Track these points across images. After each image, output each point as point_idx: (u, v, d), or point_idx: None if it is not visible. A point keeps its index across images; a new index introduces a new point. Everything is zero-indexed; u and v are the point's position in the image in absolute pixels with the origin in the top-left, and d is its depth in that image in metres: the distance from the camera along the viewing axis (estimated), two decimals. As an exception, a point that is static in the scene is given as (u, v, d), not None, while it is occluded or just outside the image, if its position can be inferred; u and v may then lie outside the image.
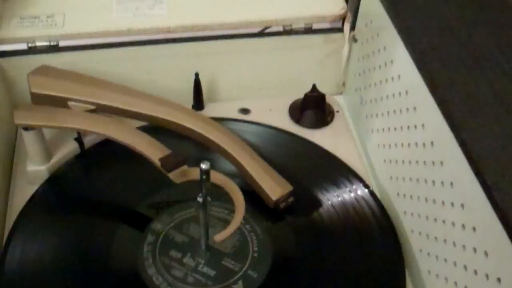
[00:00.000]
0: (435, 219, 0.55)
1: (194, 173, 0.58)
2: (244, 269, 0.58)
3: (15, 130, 0.72)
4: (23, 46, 0.70)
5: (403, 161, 0.62)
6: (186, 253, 0.59)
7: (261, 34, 0.75)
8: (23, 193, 0.65)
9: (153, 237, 0.60)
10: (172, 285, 0.56)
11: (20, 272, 0.57)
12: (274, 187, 0.62)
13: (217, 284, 0.56)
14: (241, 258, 0.59)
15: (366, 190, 0.65)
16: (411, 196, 0.60)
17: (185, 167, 0.59)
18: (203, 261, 0.58)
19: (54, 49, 0.70)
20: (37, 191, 0.64)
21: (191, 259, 0.58)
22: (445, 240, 0.53)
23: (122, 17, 0.72)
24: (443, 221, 0.53)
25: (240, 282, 0.57)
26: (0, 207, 0.63)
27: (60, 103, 0.65)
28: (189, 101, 0.74)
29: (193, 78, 0.72)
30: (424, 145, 0.57)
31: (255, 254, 0.59)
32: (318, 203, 0.64)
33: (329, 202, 0.64)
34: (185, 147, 0.66)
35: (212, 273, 0.57)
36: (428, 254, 0.57)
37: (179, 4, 0.74)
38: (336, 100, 0.78)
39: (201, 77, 0.73)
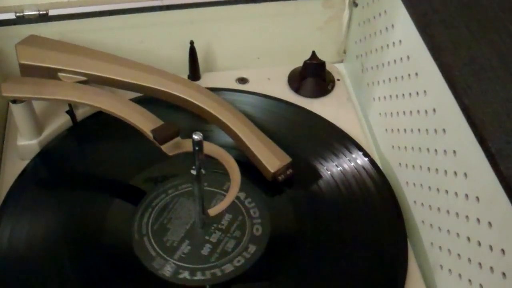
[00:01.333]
0: (438, 189, 0.53)
1: (187, 145, 0.56)
2: (241, 244, 0.56)
3: (6, 104, 0.70)
4: (11, 16, 0.68)
5: (405, 130, 0.60)
6: (181, 226, 0.57)
7: None
8: (14, 168, 0.63)
9: (147, 211, 0.58)
10: (166, 259, 0.55)
11: (10, 248, 0.55)
12: (272, 159, 0.60)
13: (213, 259, 0.55)
14: (238, 233, 0.57)
15: (367, 159, 0.63)
16: (413, 166, 0.58)
17: (178, 138, 0.57)
18: (197, 235, 0.57)
19: (43, 18, 0.68)
20: (28, 165, 0.63)
21: (185, 233, 0.57)
22: (448, 211, 0.52)
23: (113, -16, 0.70)
24: (446, 191, 0.52)
25: (239, 257, 0.55)
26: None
27: (50, 74, 0.63)
28: (184, 71, 0.72)
29: (188, 47, 0.70)
30: (426, 112, 0.55)
31: (253, 229, 0.57)
32: (317, 174, 0.62)
33: (329, 173, 0.62)
34: (181, 119, 0.65)
35: (206, 247, 0.56)
36: (431, 225, 0.55)
37: (173, -31, 0.72)
38: (336, 68, 0.76)
39: (197, 46, 0.70)
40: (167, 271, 0.54)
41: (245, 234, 0.57)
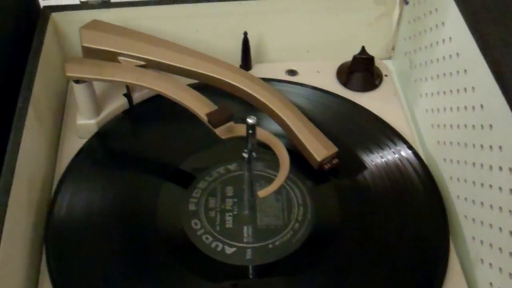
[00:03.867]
0: (482, 184, 0.54)
1: (240, 129, 0.58)
2: (286, 229, 0.58)
3: (66, 84, 0.74)
4: (75, 1, 0.71)
5: (451, 125, 0.61)
6: (230, 208, 0.60)
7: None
8: (72, 145, 0.66)
9: (197, 193, 0.61)
10: (215, 239, 0.57)
11: (67, 222, 0.59)
12: (319, 148, 0.62)
13: (255, 241, 0.57)
14: (283, 215, 0.59)
15: (411, 152, 0.64)
16: (458, 161, 0.59)
17: (231, 123, 0.59)
18: (245, 217, 0.59)
19: (106, 4, 0.71)
20: (85, 144, 0.66)
21: (234, 215, 0.59)
22: (491, 205, 0.53)
23: (174, -26, 0.72)
24: (490, 186, 0.53)
25: (281, 239, 0.57)
26: (50, 158, 0.65)
27: (111, 57, 0.66)
28: (237, 61, 0.74)
29: (241, 37, 0.72)
30: (473, 108, 0.56)
31: (298, 214, 0.59)
32: (362, 165, 0.64)
33: (373, 163, 0.63)
34: (232, 105, 0.66)
35: (251, 230, 0.58)
36: (473, 219, 0.56)
37: (231, -38, 0.74)
38: (384, 64, 0.77)
39: (249, 37, 0.72)
40: (216, 249, 0.56)
41: (290, 218, 0.59)
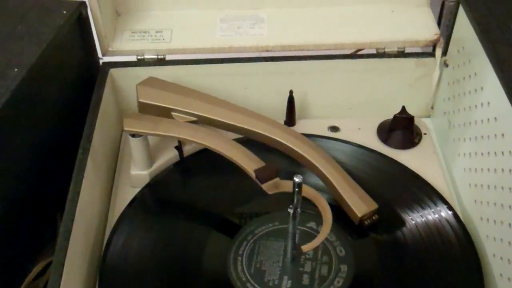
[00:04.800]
0: (518, 244, 0.56)
1: (285, 186, 0.61)
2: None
3: (120, 136, 0.78)
4: (133, 58, 0.76)
5: (488, 186, 0.63)
6: (272, 260, 0.62)
7: (354, 55, 0.78)
8: (125, 195, 0.70)
9: (242, 243, 0.64)
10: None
11: (119, 268, 0.62)
12: (359, 204, 0.65)
13: (315, 285, 0.60)
14: (323, 274, 0.62)
15: (450, 213, 0.66)
16: (494, 221, 0.61)
17: (277, 179, 0.62)
18: (286, 271, 0.62)
19: (161, 62, 0.76)
20: (138, 194, 0.70)
21: (275, 267, 0.62)
22: (526, 265, 0.55)
23: (225, 35, 0.77)
24: (525, 247, 0.55)
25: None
26: (103, 206, 0.69)
27: (164, 113, 0.70)
28: (281, 116, 0.78)
29: (286, 95, 0.76)
30: (510, 171, 0.58)
31: (339, 266, 0.62)
32: (401, 222, 0.66)
33: (413, 222, 0.66)
34: (277, 161, 0.70)
35: (289, 284, 0.61)
36: (509, 279, 0.58)
37: (278, 25, 0.78)
38: (424, 123, 0.80)
39: (294, 95, 0.76)
40: None
41: (328, 277, 0.62)
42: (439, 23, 0.81)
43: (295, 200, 0.56)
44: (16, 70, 0.60)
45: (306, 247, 0.58)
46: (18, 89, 0.59)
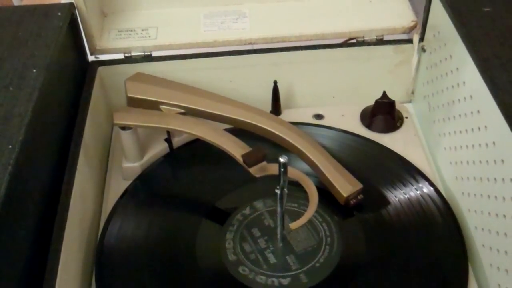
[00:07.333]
0: (497, 214, 0.59)
1: (272, 168, 0.64)
2: (323, 247, 0.63)
3: (110, 130, 0.80)
4: (120, 56, 0.78)
5: (467, 162, 0.66)
6: (265, 246, 0.64)
7: (335, 45, 0.80)
8: (117, 187, 0.72)
9: (230, 244, 0.65)
10: (268, 276, 0.61)
11: (114, 257, 0.64)
12: (345, 184, 0.67)
13: (303, 265, 0.62)
14: (315, 237, 0.64)
15: (432, 189, 0.69)
16: (474, 194, 0.64)
17: (264, 162, 0.65)
18: (282, 249, 0.64)
19: (148, 58, 0.78)
20: (130, 185, 0.72)
21: (271, 250, 0.64)
22: (505, 233, 0.57)
23: (208, 30, 0.79)
24: (504, 216, 0.57)
25: (322, 257, 0.62)
26: (97, 198, 0.71)
27: (153, 106, 0.72)
28: (267, 107, 0.80)
29: (271, 86, 0.78)
30: (486, 145, 0.61)
31: (326, 245, 0.64)
32: (386, 201, 0.68)
33: (397, 199, 0.68)
34: (264, 148, 0.71)
35: (294, 257, 0.63)
36: (490, 248, 0.60)
37: (260, 18, 0.81)
38: (405, 107, 0.83)
39: (278, 85, 0.78)
40: (273, 284, 0.61)
41: (320, 236, 0.64)
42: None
43: (281, 181, 0.58)
44: (34, 70, 0.61)
45: (294, 225, 0.60)
46: (43, 87, 0.60)
